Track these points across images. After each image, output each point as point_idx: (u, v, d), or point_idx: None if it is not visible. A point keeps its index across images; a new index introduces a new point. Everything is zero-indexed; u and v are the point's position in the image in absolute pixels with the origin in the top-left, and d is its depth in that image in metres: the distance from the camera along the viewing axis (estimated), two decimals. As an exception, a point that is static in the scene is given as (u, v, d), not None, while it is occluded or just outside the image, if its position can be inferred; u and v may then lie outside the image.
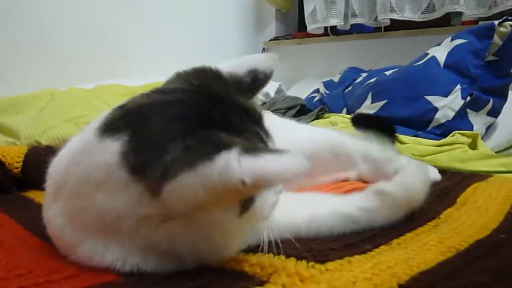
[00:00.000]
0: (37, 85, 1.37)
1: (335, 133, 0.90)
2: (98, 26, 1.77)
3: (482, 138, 1.41)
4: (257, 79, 0.48)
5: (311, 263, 0.45)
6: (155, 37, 2.05)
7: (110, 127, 0.40)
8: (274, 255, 0.47)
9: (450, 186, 0.79)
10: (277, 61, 0.50)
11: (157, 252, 0.41)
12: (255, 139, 0.42)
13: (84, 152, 0.42)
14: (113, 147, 0.38)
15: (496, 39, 1.36)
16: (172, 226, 0.39)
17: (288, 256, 0.47)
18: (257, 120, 0.45)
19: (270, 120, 0.97)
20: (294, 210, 0.55)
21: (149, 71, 1.82)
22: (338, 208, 0.56)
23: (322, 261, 0.45)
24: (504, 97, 1.44)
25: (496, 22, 1.37)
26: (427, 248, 0.48)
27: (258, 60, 0.50)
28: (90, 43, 1.75)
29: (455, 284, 0.40)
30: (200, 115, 0.39)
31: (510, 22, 1.36)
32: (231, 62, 0.49)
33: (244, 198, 0.38)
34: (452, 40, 1.47)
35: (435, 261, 0.45)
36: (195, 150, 0.34)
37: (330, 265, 0.45)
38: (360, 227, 0.56)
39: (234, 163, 0.32)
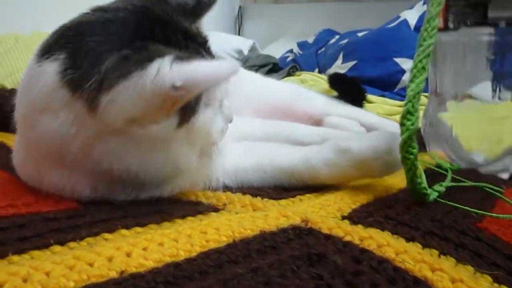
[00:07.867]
0: (1, 29, 1.32)
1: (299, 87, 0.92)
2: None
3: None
4: (201, 2, 0.47)
5: (265, 199, 0.48)
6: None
7: (47, 50, 0.40)
8: (232, 192, 0.50)
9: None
10: None
11: (108, 178, 0.41)
12: (194, 54, 0.41)
13: (28, 80, 0.41)
14: (51, 68, 0.38)
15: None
16: (111, 144, 0.38)
17: (244, 193, 0.49)
18: (200, 42, 0.44)
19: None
20: (243, 155, 0.55)
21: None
22: (285, 161, 0.54)
23: (276, 198, 0.48)
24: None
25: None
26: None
27: None
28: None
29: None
30: (139, 32, 0.39)
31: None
32: None
33: (178, 105, 0.37)
34: (424, 3, 1.48)
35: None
36: (130, 60, 0.35)
37: (282, 202, 0.48)
38: (302, 183, 0.53)
39: (165, 69, 0.33)
